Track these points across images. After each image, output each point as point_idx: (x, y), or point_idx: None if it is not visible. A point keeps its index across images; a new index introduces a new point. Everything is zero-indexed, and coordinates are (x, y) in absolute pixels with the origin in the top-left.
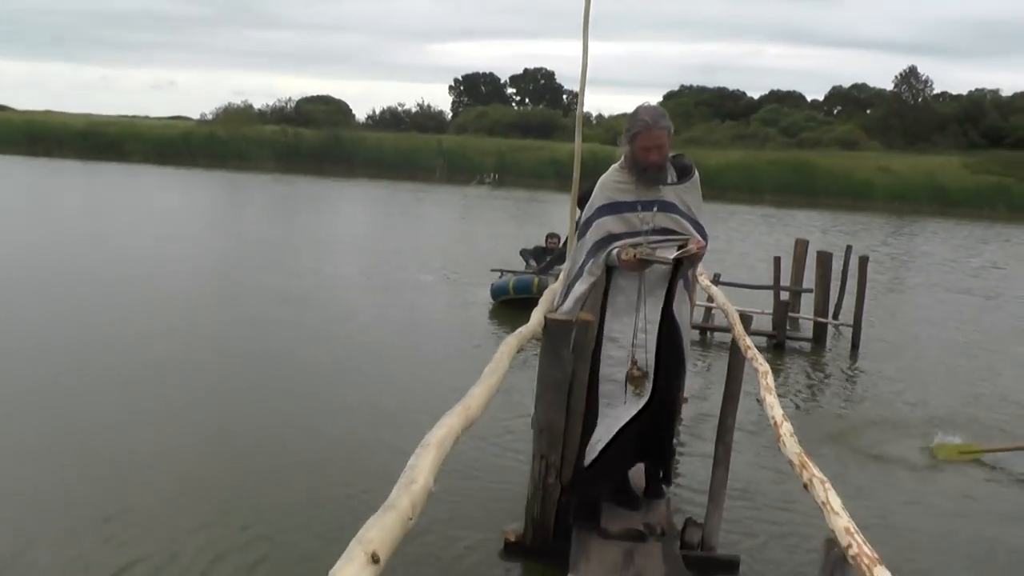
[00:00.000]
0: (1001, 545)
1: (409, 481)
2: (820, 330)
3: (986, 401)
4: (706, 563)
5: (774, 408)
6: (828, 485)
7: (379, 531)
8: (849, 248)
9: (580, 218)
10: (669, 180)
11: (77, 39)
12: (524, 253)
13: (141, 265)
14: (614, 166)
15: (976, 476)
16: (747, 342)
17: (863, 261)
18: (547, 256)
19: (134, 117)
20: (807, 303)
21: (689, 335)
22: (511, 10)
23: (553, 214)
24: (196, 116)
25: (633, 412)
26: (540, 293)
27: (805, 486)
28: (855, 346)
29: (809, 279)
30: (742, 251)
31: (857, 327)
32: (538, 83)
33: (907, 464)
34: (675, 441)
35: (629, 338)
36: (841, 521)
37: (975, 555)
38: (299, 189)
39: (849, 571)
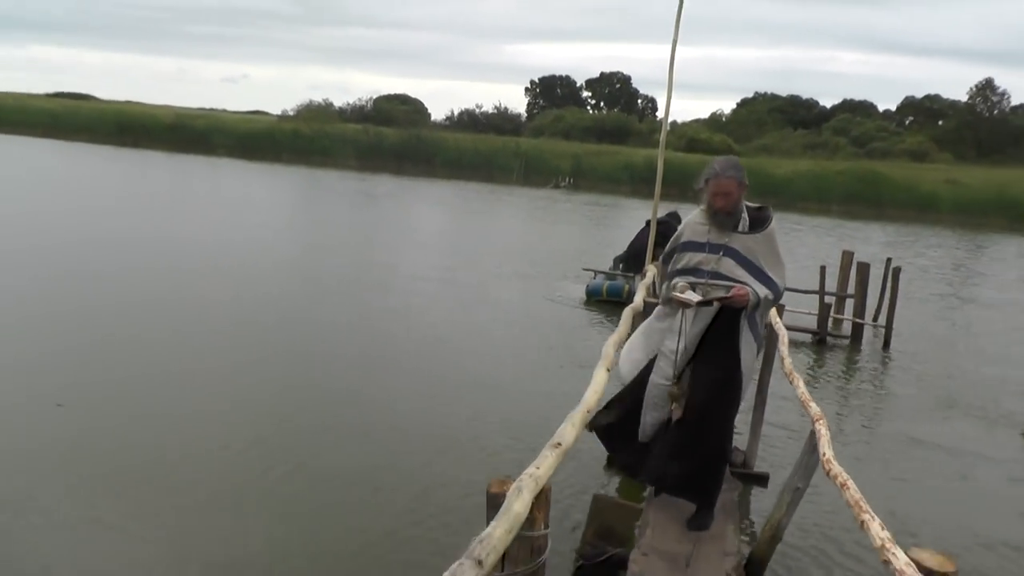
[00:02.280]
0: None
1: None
2: (858, 330)
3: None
4: (746, 477)
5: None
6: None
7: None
8: (889, 260)
9: (667, 249)
10: (740, 228)
11: (156, 32)
12: (616, 259)
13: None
14: (699, 208)
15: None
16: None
17: (896, 272)
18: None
19: (212, 110)
20: (852, 307)
21: (749, 377)
22: (589, 11)
23: (629, 218)
24: (272, 111)
25: (671, 418)
26: (629, 298)
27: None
28: (886, 344)
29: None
30: (805, 260)
31: (889, 328)
32: (614, 87)
33: (897, 412)
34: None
35: (672, 358)
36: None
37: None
38: (384, 186)
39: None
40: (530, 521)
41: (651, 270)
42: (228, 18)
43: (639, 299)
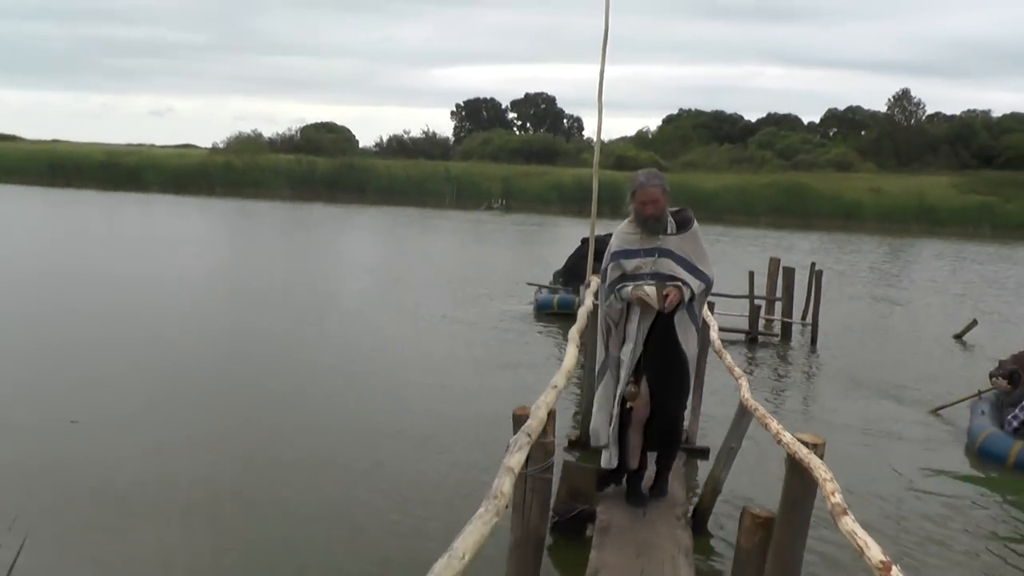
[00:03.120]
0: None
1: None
2: (787, 328)
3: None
4: (689, 451)
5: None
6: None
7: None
8: (813, 265)
9: (603, 264)
10: (669, 231)
11: (76, 67)
12: (556, 274)
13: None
14: (626, 220)
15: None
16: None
17: (818, 275)
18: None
19: (140, 145)
20: (780, 308)
21: (694, 363)
22: (510, 33)
23: (562, 236)
24: (202, 143)
25: (627, 414)
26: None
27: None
28: (813, 340)
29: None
30: (735, 268)
31: (815, 325)
32: (539, 108)
33: (823, 396)
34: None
35: (629, 362)
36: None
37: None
38: (318, 215)
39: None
40: (544, 431)
41: (595, 280)
42: (148, 49)
43: (588, 301)
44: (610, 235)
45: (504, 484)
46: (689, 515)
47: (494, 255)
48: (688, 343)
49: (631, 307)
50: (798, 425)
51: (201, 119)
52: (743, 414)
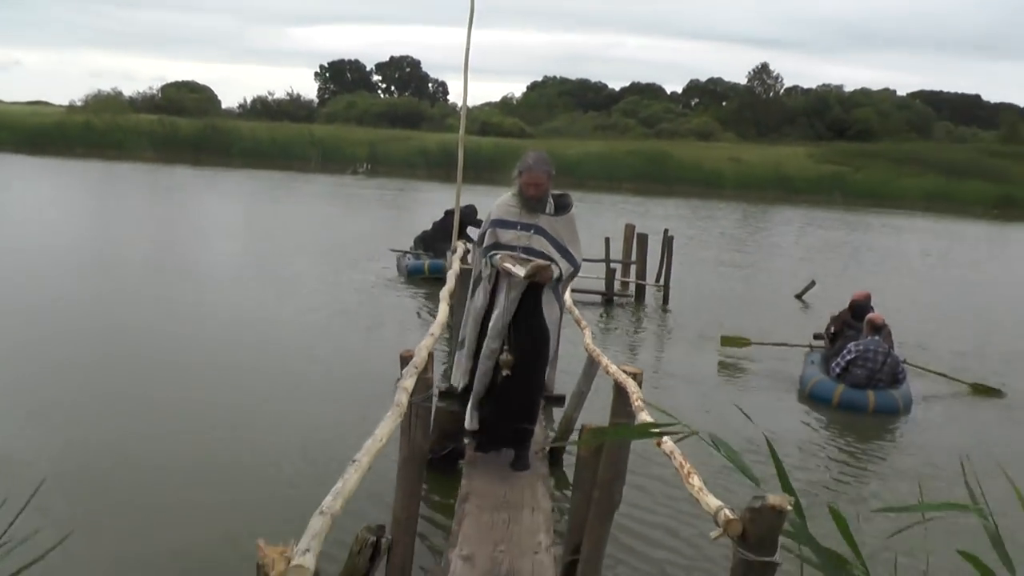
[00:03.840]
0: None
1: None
2: (640, 290)
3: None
4: (547, 399)
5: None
6: (588, 329)
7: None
8: (666, 230)
9: (481, 228)
10: (547, 211)
11: None
12: (416, 239)
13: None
14: (509, 192)
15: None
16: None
17: (670, 240)
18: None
19: None
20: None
21: (557, 334)
22: None
23: (427, 201)
24: (55, 101)
25: (490, 376)
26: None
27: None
28: (665, 300)
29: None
30: (592, 234)
31: (667, 287)
32: (404, 71)
33: (673, 349)
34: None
35: (499, 330)
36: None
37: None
38: (181, 178)
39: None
40: (425, 369)
41: (460, 246)
42: None
43: (456, 265)
44: (472, 206)
45: (401, 397)
46: (547, 452)
47: (360, 221)
48: (551, 320)
49: (500, 276)
50: (648, 374)
51: (53, 74)
52: (591, 362)
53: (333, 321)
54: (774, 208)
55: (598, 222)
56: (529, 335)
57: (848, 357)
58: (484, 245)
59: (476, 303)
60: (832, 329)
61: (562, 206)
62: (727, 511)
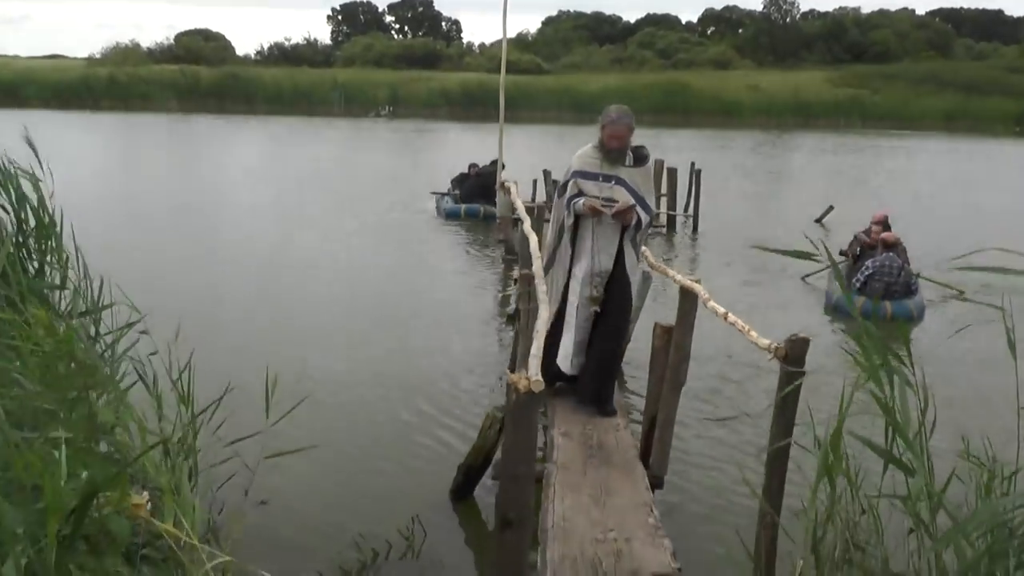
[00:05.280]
0: None
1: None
2: (671, 220)
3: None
4: None
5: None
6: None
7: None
8: (693, 164)
9: (562, 179)
10: (627, 163)
11: None
12: (453, 181)
13: None
14: (591, 143)
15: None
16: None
17: (698, 173)
18: (467, 181)
19: (3, 56)
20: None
21: (637, 284)
22: None
23: (452, 142)
24: (70, 54)
25: (588, 325)
26: (484, 218)
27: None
28: (695, 228)
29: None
30: None
31: (696, 216)
32: (416, 11)
33: (704, 270)
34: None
35: (587, 275)
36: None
37: None
38: (205, 126)
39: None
40: None
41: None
42: None
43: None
44: (493, 163)
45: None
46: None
47: (390, 163)
48: (631, 268)
49: (582, 226)
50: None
51: (62, 26)
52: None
53: (416, 262)
54: (795, 135)
55: None
56: (612, 278)
57: (867, 272)
58: (567, 197)
59: (561, 252)
60: (858, 249)
61: (640, 157)
62: (776, 343)
